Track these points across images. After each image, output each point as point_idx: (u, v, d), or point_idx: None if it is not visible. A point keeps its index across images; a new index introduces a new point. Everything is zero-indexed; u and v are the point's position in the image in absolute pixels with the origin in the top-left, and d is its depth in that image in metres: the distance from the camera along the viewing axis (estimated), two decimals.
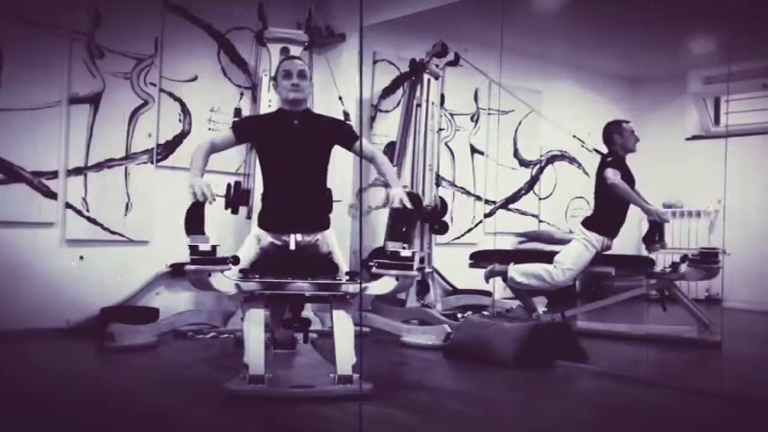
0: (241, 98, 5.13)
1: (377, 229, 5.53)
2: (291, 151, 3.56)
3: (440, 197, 5.48)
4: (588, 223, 4.73)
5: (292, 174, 3.56)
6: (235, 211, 4.69)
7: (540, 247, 5.12)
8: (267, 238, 3.60)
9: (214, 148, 3.57)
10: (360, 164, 4.62)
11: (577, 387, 3.81)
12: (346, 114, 4.98)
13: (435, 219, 5.36)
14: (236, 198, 4.63)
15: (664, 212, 4.84)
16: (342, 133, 3.69)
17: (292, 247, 3.53)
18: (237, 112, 4.86)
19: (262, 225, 3.64)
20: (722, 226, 4.58)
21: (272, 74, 3.82)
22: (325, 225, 3.66)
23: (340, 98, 5.15)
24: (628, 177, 4.72)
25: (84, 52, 4.70)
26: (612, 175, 4.63)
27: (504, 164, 6.08)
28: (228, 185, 4.65)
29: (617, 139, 4.76)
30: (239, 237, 4.93)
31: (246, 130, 3.70)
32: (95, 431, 2.82)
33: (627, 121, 4.82)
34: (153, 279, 4.92)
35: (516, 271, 4.73)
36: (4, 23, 4.41)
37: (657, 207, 4.83)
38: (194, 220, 3.30)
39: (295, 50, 5.11)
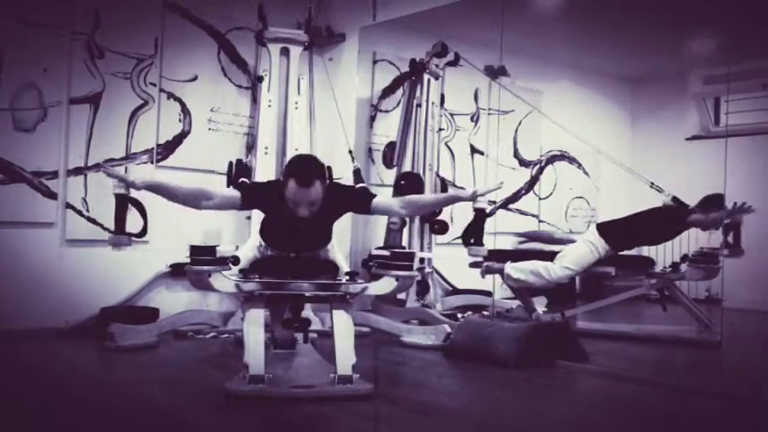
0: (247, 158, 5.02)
1: (377, 229, 5.54)
2: (297, 236, 3.49)
3: (440, 177, 5.46)
4: (604, 229, 4.68)
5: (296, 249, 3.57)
6: (237, 188, 4.64)
7: (540, 247, 5.12)
8: (268, 252, 3.65)
9: (205, 195, 3.26)
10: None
11: (577, 387, 3.81)
12: (357, 171, 4.80)
13: (435, 218, 5.36)
14: (238, 174, 4.57)
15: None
16: (356, 201, 3.49)
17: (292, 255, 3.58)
18: (239, 163, 4.71)
19: (264, 239, 3.66)
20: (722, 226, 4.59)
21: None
22: (326, 244, 3.69)
23: (350, 152, 5.03)
24: None
25: (84, 52, 4.70)
26: None
27: (504, 164, 6.07)
28: (230, 163, 4.63)
29: None
30: (240, 237, 4.95)
31: (254, 198, 3.42)
32: (95, 431, 2.82)
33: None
34: (153, 279, 4.92)
35: (513, 268, 4.71)
36: (4, 23, 4.40)
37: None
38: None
39: (295, 50, 5.12)
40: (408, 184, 5.20)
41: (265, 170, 4.91)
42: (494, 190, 3.54)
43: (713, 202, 4.47)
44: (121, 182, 3.23)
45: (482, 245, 3.87)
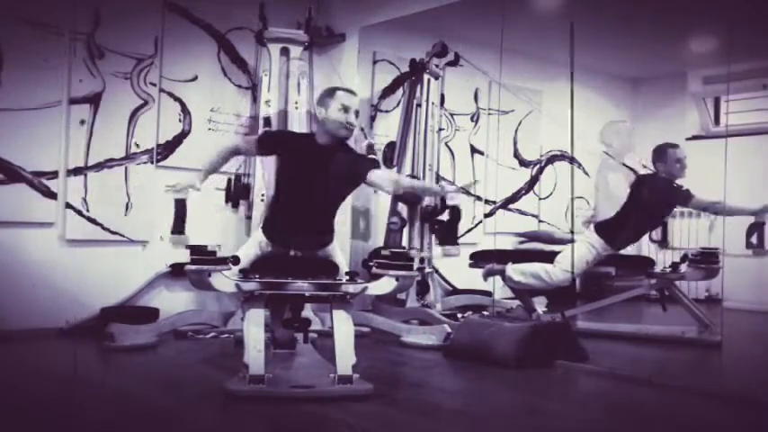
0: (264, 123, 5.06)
1: (377, 229, 5.54)
2: (313, 184, 3.53)
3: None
4: (601, 228, 4.70)
5: (307, 202, 3.57)
6: (235, 205, 4.70)
7: (540, 247, 5.12)
8: (269, 248, 3.65)
9: (238, 151, 3.65)
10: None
11: (577, 387, 3.81)
12: (371, 146, 4.90)
13: (435, 218, 5.37)
14: (237, 193, 4.67)
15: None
16: (360, 164, 3.61)
17: (292, 253, 3.58)
18: (267, 121, 4.88)
19: (266, 235, 3.66)
20: (722, 226, 4.58)
21: (319, 97, 3.63)
22: (328, 243, 3.69)
23: (362, 129, 5.13)
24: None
25: (84, 52, 4.70)
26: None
27: (503, 164, 6.07)
28: (229, 180, 4.69)
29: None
30: (240, 236, 4.95)
31: (274, 143, 3.69)
32: (95, 431, 2.82)
33: (676, 145, 4.78)
34: (153, 279, 4.92)
35: (514, 270, 4.72)
36: (4, 23, 4.40)
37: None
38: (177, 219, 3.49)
39: (295, 50, 5.13)
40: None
41: (266, 169, 4.91)
42: (468, 185, 3.57)
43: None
44: (183, 189, 3.51)
45: (456, 244, 3.85)
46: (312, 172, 3.53)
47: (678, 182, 4.73)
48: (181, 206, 3.52)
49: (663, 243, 4.74)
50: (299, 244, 3.62)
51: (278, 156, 3.75)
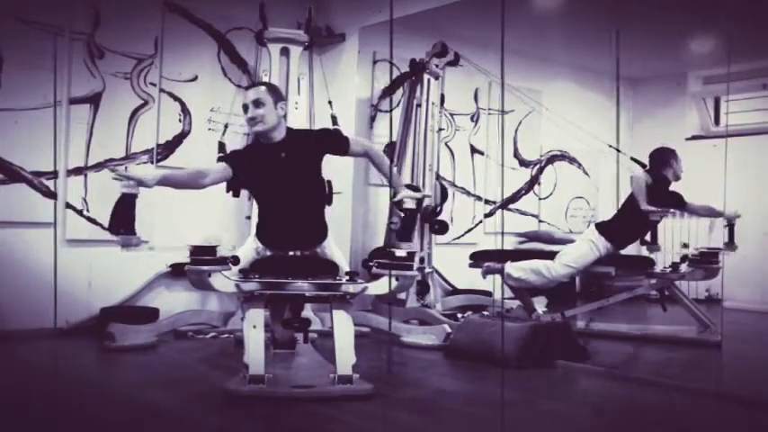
0: (225, 131, 5.10)
1: (377, 229, 5.53)
2: (282, 183, 3.49)
3: (441, 185, 5.46)
4: (602, 227, 4.71)
5: (286, 203, 3.53)
6: (236, 194, 4.67)
7: (540, 247, 5.12)
8: (266, 252, 3.63)
9: (201, 174, 3.35)
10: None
11: (577, 387, 3.81)
12: (334, 118, 4.97)
13: (435, 218, 5.36)
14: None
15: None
16: (330, 142, 3.62)
17: (291, 253, 3.57)
18: (221, 146, 4.86)
19: (260, 240, 3.65)
20: (722, 226, 4.59)
21: None
22: (322, 238, 3.67)
23: (329, 102, 5.19)
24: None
25: (84, 52, 4.70)
26: None
27: (504, 164, 6.07)
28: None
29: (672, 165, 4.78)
30: (240, 237, 4.95)
31: (238, 163, 3.49)
32: (95, 431, 2.82)
33: (672, 150, 4.84)
34: (153, 279, 4.92)
35: (514, 267, 4.71)
36: (3, 23, 4.40)
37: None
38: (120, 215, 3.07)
39: (295, 50, 5.12)
40: None
41: None
42: (418, 197, 3.59)
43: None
44: (130, 181, 3.12)
45: (411, 240, 3.82)
46: (276, 175, 3.48)
47: (675, 184, 4.78)
48: (129, 202, 3.05)
49: (652, 245, 4.74)
50: (293, 244, 3.60)
51: (245, 178, 3.60)
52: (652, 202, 4.62)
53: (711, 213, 4.85)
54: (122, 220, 3.05)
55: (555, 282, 4.68)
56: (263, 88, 3.52)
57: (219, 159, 3.70)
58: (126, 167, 4.76)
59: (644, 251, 4.93)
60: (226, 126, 5.12)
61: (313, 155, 3.55)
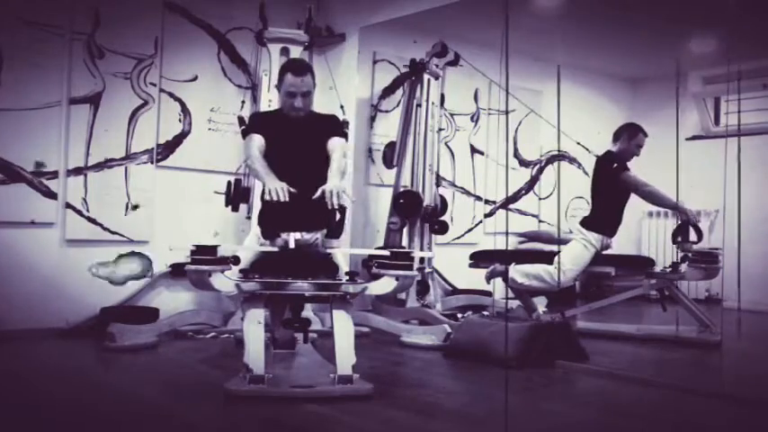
0: (242, 107, 5.13)
1: (376, 229, 5.54)
2: (292, 152, 3.55)
3: (440, 195, 5.48)
4: (587, 223, 4.76)
5: (293, 172, 3.51)
6: (235, 209, 4.70)
7: (540, 247, 5.12)
8: (267, 243, 3.61)
9: (261, 150, 3.51)
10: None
11: (577, 387, 3.81)
12: (346, 123, 4.90)
13: (435, 218, 5.37)
14: (237, 196, 4.67)
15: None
16: (329, 126, 3.67)
17: (292, 245, 3.51)
18: (241, 120, 4.84)
19: (261, 224, 3.63)
20: (722, 226, 4.58)
21: (278, 74, 3.71)
22: (324, 224, 3.64)
23: (342, 107, 5.20)
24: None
25: (84, 52, 4.70)
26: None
27: (503, 164, 6.06)
28: (229, 183, 4.68)
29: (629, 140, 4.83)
30: (240, 237, 4.95)
31: (260, 125, 3.65)
32: (95, 431, 2.82)
33: (633, 125, 4.91)
34: (153, 279, 4.92)
35: (517, 272, 4.73)
36: (4, 23, 4.40)
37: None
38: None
39: (295, 50, 5.12)
40: (407, 202, 5.21)
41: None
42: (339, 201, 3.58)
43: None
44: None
45: (338, 237, 3.79)
46: (288, 144, 3.55)
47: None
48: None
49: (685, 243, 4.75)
50: (294, 224, 3.46)
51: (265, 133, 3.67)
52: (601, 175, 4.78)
53: (662, 203, 4.87)
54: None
55: (558, 287, 4.70)
56: (310, 79, 3.58)
57: (245, 131, 3.70)
58: (126, 167, 4.78)
59: (644, 251, 4.94)
60: (243, 103, 5.23)
61: (321, 134, 3.62)
